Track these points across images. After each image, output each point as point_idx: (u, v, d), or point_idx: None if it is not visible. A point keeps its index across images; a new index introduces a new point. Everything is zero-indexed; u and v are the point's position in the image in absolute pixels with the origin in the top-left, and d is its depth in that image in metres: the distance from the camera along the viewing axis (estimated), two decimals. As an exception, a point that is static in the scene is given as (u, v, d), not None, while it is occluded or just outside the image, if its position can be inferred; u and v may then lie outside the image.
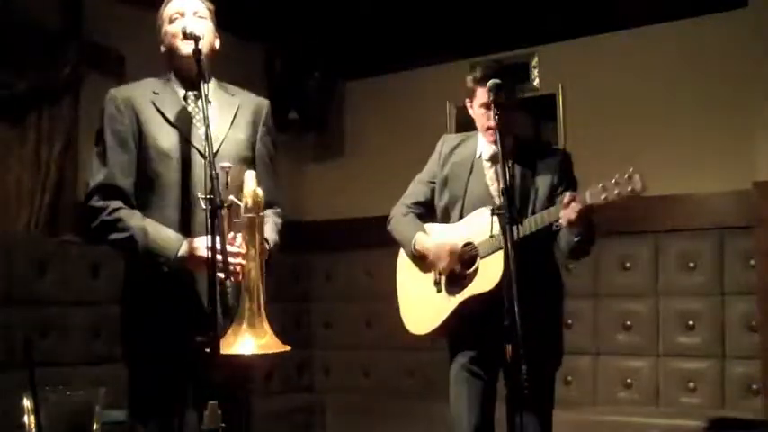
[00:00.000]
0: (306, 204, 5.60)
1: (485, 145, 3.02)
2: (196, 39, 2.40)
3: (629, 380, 4.47)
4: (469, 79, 2.99)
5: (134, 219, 2.42)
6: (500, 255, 2.68)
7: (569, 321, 4.57)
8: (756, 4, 4.19)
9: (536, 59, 4.90)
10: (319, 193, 5.56)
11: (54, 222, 4.08)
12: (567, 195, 2.67)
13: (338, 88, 5.58)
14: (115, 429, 2.41)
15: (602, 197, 2.61)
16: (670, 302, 4.42)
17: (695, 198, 4.37)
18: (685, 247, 4.41)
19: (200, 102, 2.52)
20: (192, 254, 2.38)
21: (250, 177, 2.29)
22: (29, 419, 1.53)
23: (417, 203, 3.17)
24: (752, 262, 4.18)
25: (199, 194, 2.25)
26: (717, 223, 4.31)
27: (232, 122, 2.56)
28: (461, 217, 3.00)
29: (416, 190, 3.19)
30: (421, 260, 3.05)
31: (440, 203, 3.10)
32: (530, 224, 2.76)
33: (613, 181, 2.60)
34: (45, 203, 4.05)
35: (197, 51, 2.38)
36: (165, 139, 2.48)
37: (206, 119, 2.30)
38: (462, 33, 4.81)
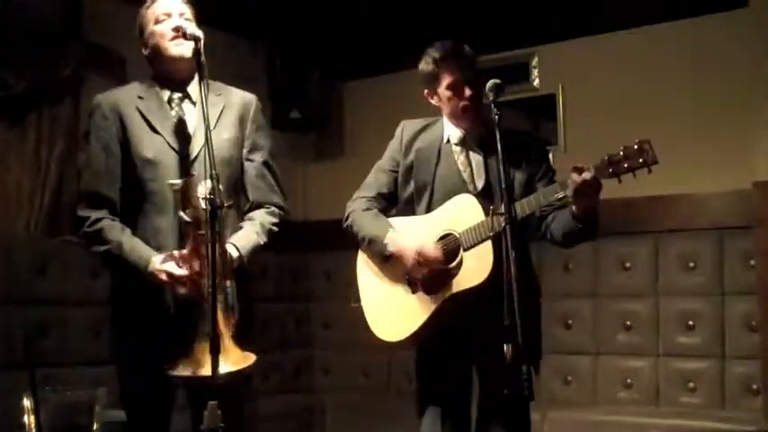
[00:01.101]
0: (306, 204, 5.59)
1: (452, 129, 2.80)
2: (196, 39, 2.40)
3: (629, 380, 4.46)
4: (428, 61, 2.77)
5: (112, 232, 2.44)
6: (488, 245, 2.52)
7: (569, 321, 4.58)
8: (756, 4, 4.18)
9: (536, 59, 4.90)
10: (319, 193, 5.55)
11: (54, 222, 4.08)
12: (574, 166, 2.43)
13: (338, 88, 5.58)
14: (115, 429, 2.41)
15: (609, 171, 2.39)
16: (670, 302, 4.41)
17: (695, 198, 4.37)
18: (685, 247, 4.40)
19: (184, 104, 2.54)
20: (155, 275, 2.37)
21: (200, 189, 2.25)
22: (29, 419, 1.53)
23: (380, 196, 2.89)
24: (752, 262, 4.17)
25: (199, 194, 2.25)
26: (717, 223, 4.31)
27: (216, 124, 2.51)
28: (429, 206, 2.76)
29: (378, 179, 2.91)
30: (391, 260, 2.78)
31: (403, 193, 2.85)
32: (521, 207, 2.51)
33: (621, 153, 2.39)
34: (45, 203, 4.05)
35: (197, 52, 2.39)
36: (149, 145, 2.47)
37: (206, 119, 2.30)
38: (462, 33, 4.78)
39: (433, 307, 2.67)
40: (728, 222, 4.28)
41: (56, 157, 4.08)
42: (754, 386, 4.12)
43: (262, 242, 2.54)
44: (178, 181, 2.31)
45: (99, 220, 2.45)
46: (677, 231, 4.42)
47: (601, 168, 2.41)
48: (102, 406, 1.54)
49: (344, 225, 2.88)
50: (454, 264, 2.64)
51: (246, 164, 2.61)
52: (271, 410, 4.87)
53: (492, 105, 2.44)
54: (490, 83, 2.48)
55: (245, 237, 2.51)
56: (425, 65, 2.78)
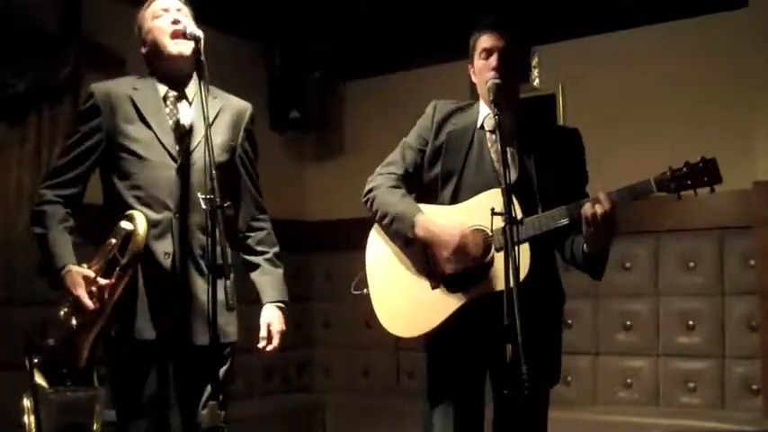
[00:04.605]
0: (306, 204, 5.59)
1: (487, 113, 2.58)
2: (196, 39, 2.40)
3: (629, 380, 4.47)
4: (474, 31, 2.60)
5: (51, 218, 2.45)
6: (525, 247, 2.31)
7: (569, 321, 4.58)
8: (756, 4, 4.19)
9: (536, 59, 4.90)
10: (319, 193, 5.56)
11: (54, 222, 4.07)
12: (594, 198, 2.29)
13: (338, 88, 5.57)
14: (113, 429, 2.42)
15: (673, 186, 2.28)
16: (670, 302, 4.42)
17: (695, 198, 4.34)
18: (685, 247, 4.41)
19: (179, 104, 2.53)
20: (70, 283, 2.40)
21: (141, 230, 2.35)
22: (29, 419, 1.53)
23: (407, 175, 2.66)
24: (752, 262, 4.18)
25: (199, 194, 2.26)
26: (717, 223, 4.31)
27: (211, 126, 2.46)
28: (455, 194, 2.55)
29: (406, 156, 2.67)
30: (412, 246, 2.56)
31: (428, 175, 2.63)
32: (534, 224, 2.39)
33: (684, 169, 2.28)
34: (45, 203, 4.04)
35: (197, 52, 2.39)
36: (139, 139, 2.47)
37: (206, 119, 2.30)
38: (462, 33, 4.80)
39: (456, 306, 2.45)
40: (728, 222, 4.28)
41: (56, 157, 4.06)
42: (754, 386, 4.12)
43: (283, 271, 2.76)
44: (130, 226, 2.35)
45: (47, 202, 2.47)
46: (677, 231, 4.42)
47: (663, 182, 2.31)
48: (101, 406, 1.54)
49: (364, 199, 2.68)
50: (485, 262, 2.43)
51: (242, 170, 2.65)
52: (271, 410, 4.88)
53: (492, 105, 2.40)
54: (490, 83, 2.44)
55: (277, 283, 2.72)
56: (472, 36, 2.60)
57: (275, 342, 2.62)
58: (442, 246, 2.47)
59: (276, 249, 2.75)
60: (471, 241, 2.43)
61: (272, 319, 2.64)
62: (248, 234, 2.69)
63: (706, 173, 2.28)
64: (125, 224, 2.34)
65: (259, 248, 2.70)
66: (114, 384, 2.41)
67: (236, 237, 2.67)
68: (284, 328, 2.65)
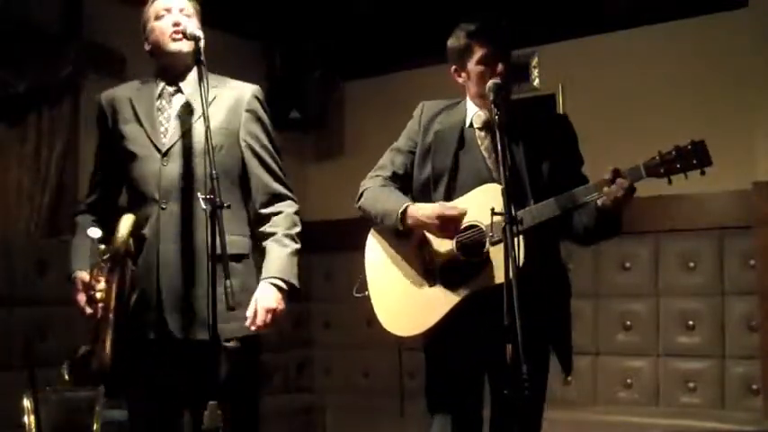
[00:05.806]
0: (306, 204, 5.57)
1: (476, 111, 2.62)
2: (196, 39, 2.41)
3: (629, 380, 4.47)
4: (459, 35, 2.60)
5: (79, 227, 2.58)
6: (519, 238, 2.24)
7: (569, 321, 4.58)
8: (756, 4, 4.19)
9: (536, 59, 4.90)
10: (319, 193, 5.55)
11: (54, 222, 4.08)
12: (611, 170, 2.30)
13: (338, 88, 5.57)
14: (115, 429, 2.42)
15: (661, 170, 2.29)
16: (670, 302, 4.42)
17: (695, 198, 4.37)
18: (685, 247, 4.41)
19: (175, 97, 2.54)
20: (73, 289, 2.46)
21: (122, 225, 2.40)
22: (29, 419, 1.53)
23: (395, 177, 2.68)
24: (752, 262, 4.18)
25: (199, 194, 2.26)
26: (717, 223, 4.31)
27: (201, 114, 2.40)
28: (448, 193, 2.55)
29: (394, 160, 2.70)
30: (406, 238, 2.57)
31: (420, 176, 2.63)
32: (546, 208, 2.38)
33: (674, 153, 2.29)
34: (45, 204, 4.05)
35: (197, 52, 2.40)
36: (134, 138, 2.53)
37: (206, 118, 2.31)
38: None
39: (453, 302, 2.46)
40: (728, 222, 4.28)
41: (56, 157, 4.08)
42: (754, 386, 4.13)
43: (293, 250, 2.53)
44: (96, 233, 2.41)
45: (78, 212, 2.67)
46: (677, 231, 4.42)
47: (653, 167, 2.30)
48: (101, 406, 1.54)
49: (357, 204, 2.70)
50: (483, 254, 2.42)
51: (246, 153, 2.58)
52: (271, 410, 4.87)
53: (492, 106, 2.39)
54: (490, 83, 2.44)
55: (275, 260, 2.49)
56: (455, 39, 2.61)
57: (259, 319, 2.38)
58: (426, 222, 2.47)
59: (289, 230, 2.54)
60: (449, 213, 2.43)
61: (259, 294, 2.43)
62: (262, 213, 2.58)
63: (695, 155, 2.30)
64: (92, 231, 2.41)
65: (269, 230, 2.54)
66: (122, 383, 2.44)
67: (255, 222, 2.60)
68: (273, 305, 2.40)
